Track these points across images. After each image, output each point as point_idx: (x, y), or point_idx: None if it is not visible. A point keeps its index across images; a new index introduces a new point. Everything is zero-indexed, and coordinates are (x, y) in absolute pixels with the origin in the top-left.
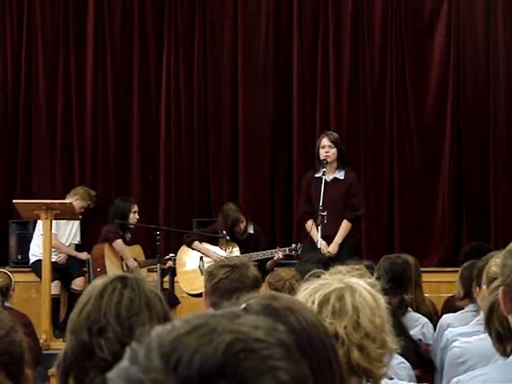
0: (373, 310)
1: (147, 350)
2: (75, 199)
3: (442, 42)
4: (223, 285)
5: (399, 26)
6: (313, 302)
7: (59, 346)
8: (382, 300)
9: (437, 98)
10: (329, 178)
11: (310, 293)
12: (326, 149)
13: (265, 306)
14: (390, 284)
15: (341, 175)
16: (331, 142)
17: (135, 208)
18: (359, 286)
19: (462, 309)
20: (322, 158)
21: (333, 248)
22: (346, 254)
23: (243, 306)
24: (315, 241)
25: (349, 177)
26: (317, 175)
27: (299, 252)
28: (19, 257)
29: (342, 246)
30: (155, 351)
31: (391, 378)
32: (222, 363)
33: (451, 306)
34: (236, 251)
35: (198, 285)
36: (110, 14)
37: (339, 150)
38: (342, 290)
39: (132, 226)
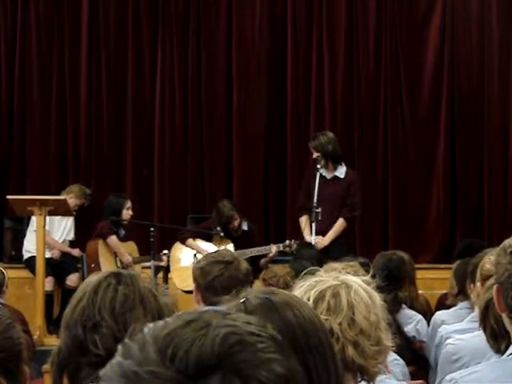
0: (368, 307)
1: (141, 344)
2: (70, 197)
3: (436, 34)
4: (218, 282)
5: (393, 18)
6: (308, 299)
7: (53, 342)
8: (377, 297)
9: (431, 92)
10: (329, 175)
11: (305, 290)
12: (313, 152)
13: (263, 300)
14: (386, 282)
15: (341, 173)
16: (312, 147)
17: (128, 204)
18: (355, 284)
19: (456, 305)
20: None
21: (324, 240)
22: (336, 253)
23: (242, 299)
24: (304, 236)
25: (349, 176)
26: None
27: (294, 249)
28: (13, 253)
29: (332, 244)
30: (150, 345)
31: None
32: (219, 355)
33: (445, 303)
34: (230, 248)
35: (192, 281)
36: (104, 11)
37: (323, 153)
38: (338, 287)
39: (126, 223)
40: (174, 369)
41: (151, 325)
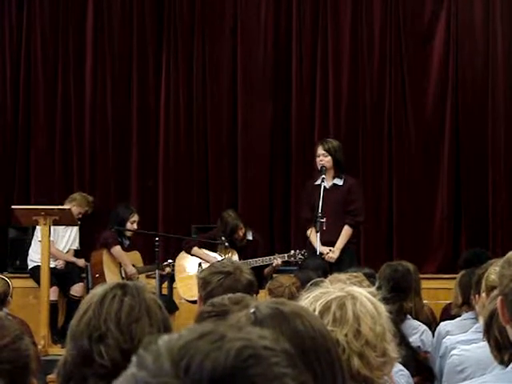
0: (374, 319)
1: (156, 355)
2: (72, 205)
3: (441, 46)
4: (217, 293)
5: (398, 30)
6: (314, 310)
7: (57, 352)
8: (383, 309)
9: (436, 103)
10: (328, 184)
11: (311, 301)
12: (321, 157)
13: (273, 310)
14: (392, 293)
15: (340, 181)
16: (324, 150)
17: (134, 217)
18: (360, 295)
19: (460, 316)
20: (318, 166)
21: (334, 253)
22: (347, 261)
23: (252, 309)
24: (315, 247)
25: (348, 182)
26: (316, 182)
27: (298, 259)
28: (18, 262)
29: (343, 252)
30: (165, 357)
31: None
32: (233, 368)
33: (450, 313)
34: (235, 258)
35: (197, 291)
36: (109, 21)
37: (334, 157)
38: (344, 299)
39: (130, 233)
40: (188, 381)
41: (165, 337)
